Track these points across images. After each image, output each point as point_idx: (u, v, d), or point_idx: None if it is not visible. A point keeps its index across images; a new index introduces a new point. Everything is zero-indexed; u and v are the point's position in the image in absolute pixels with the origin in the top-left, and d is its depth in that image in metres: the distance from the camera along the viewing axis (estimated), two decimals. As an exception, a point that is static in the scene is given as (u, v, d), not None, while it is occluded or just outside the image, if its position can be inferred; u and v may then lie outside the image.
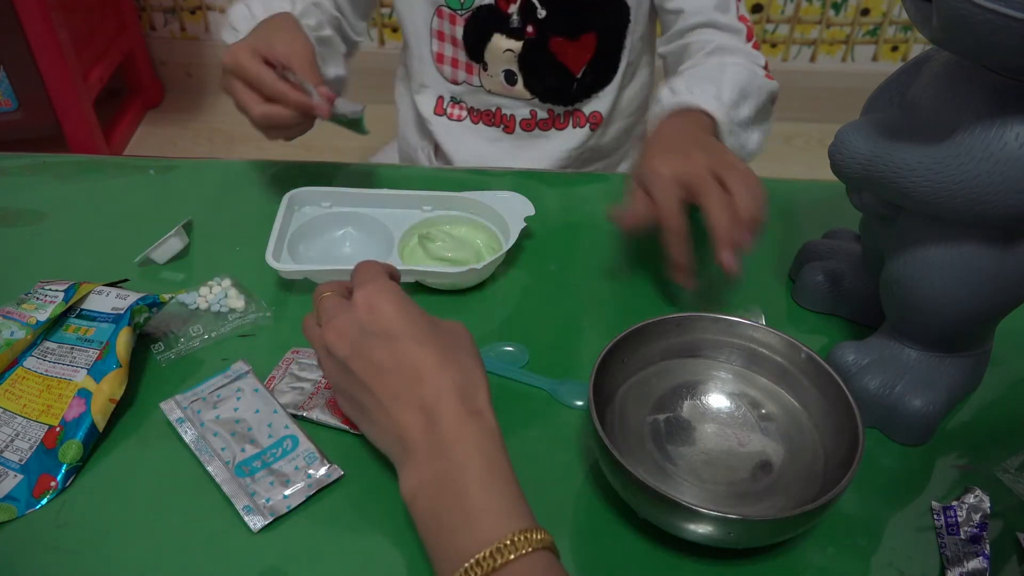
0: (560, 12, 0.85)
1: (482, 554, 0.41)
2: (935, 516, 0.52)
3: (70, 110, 1.82)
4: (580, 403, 0.59)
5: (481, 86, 0.91)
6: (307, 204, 0.72)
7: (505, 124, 0.94)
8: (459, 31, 0.88)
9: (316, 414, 0.56)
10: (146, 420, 0.56)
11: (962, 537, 0.51)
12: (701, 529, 0.46)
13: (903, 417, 0.56)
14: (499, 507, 0.43)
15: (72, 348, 0.57)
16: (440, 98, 0.94)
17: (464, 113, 0.95)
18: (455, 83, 0.92)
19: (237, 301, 0.65)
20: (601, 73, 0.91)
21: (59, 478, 0.51)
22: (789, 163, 2.14)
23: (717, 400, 0.57)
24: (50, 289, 0.60)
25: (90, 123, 1.87)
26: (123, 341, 0.56)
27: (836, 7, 2.12)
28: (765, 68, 0.83)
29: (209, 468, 0.52)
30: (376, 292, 0.48)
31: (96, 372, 0.55)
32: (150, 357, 0.60)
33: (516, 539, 0.41)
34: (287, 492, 0.51)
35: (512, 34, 0.86)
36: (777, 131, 2.29)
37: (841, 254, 0.68)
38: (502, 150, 0.96)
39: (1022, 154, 0.46)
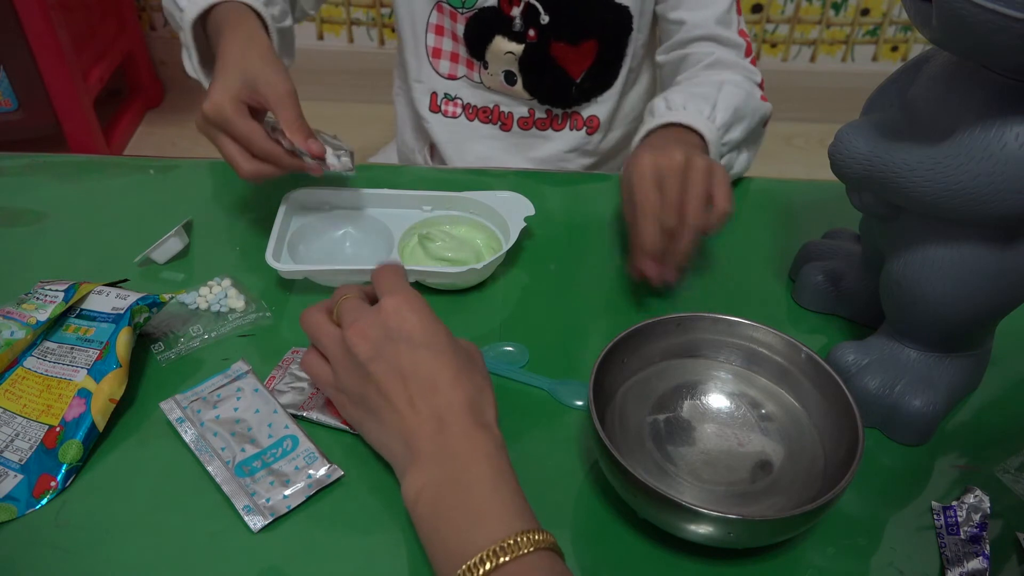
0: (563, 18, 0.85)
1: (485, 552, 0.41)
2: (935, 516, 0.52)
3: (70, 110, 1.82)
4: (580, 403, 0.59)
5: (481, 82, 0.91)
6: (307, 204, 0.72)
7: (503, 121, 0.94)
8: (460, 28, 0.88)
9: (316, 414, 0.56)
10: (146, 420, 0.56)
11: (962, 537, 0.51)
12: (701, 529, 0.46)
13: (903, 417, 0.56)
14: (504, 509, 0.44)
15: (72, 348, 0.57)
16: (434, 94, 0.94)
17: (459, 110, 0.95)
18: (452, 78, 0.92)
19: (237, 301, 0.65)
20: (601, 79, 0.91)
21: (59, 478, 0.51)
22: (789, 163, 2.14)
23: (717, 400, 0.57)
24: (50, 289, 0.60)
25: (90, 123, 1.87)
26: (123, 341, 0.56)
27: (836, 7, 2.12)
28: (761, 86, 0.83)
29: (209, 468, 0.52)
30: (405, 301, 0.50)
31: (96, 372, 0.55)
32: (150, 357, 0.61)
33: (520, 539, 0.42)
34: (287, 492, 0.51)
35: (514, 37, 0.86)
36: (777, 131, 2.31)
37: (841, 254, 0.68)
38: (498, 148, 0.96)
39: (1022, 154, 0.46)
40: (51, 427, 0.53)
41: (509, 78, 0.89)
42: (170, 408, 0.55)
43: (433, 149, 0.99)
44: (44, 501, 0.51)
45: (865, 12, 2.13)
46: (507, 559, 0.41)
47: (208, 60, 0.75)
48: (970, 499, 0.52)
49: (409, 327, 0.49)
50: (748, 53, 0.85)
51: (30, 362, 0.57)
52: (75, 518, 0.50)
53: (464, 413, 0.47)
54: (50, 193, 0.77)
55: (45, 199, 0.76)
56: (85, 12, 1.90)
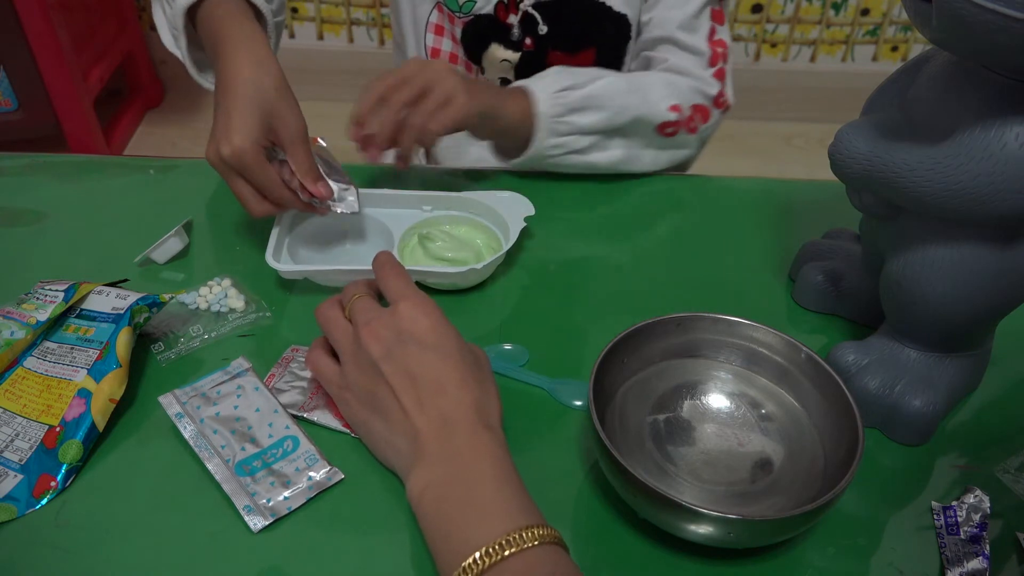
0: (562, 27, 0.85)
1: (489, 546, 0.41)
2: (935, 516, 0.52)
3: (70, 110, 1.82)
4: (580, 403, 0.59)
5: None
6: (307, 204, 0.72)
7: None
8: (458, 30, 0.88)
9: (317, 415, 0.56)
10: (146, 420, 0.56)
11: (962, 537, 0.51)
12: (701, 529, 0.46)
13: (903, 417, 0.56)
14: (508, 505, 0.44)
15: (72, 348, 0.57)
16: None
17: None
18: None
19: (237, 301, 0.65)
20: None
21: (59, 478, 0.51)
22: (789, 163, 2.14)
23: (717, 400, 0.57)
24: (50, 289, 0.60)
25: (90, 123, 1.87)
26: (123, 341, 0.56)
27: (836, 7, 2.12)
28: (715, 100, 0.83)
29: (209, 466, 0.52)
30: (418, 305, 0.51)
31: (96, 372, 0.55)
32: (150, 357, 0.60)
33: (525, 533, 0.42)
34: (287, 494, 0.51)
35: (510, 45, 0.86)
36: (777, 131, 2.31)
37: (841, 254, 0.68)
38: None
39: (1022, 154, 0.46)
40: (51, 427, 0.53)
41: (504, 85, 0.89)
42: (169, 403, 0.55)
43: (429, 150, 0.99)
44: (44, 501, 0.51)
45: (865, 12, 2.13)
46: (512, 552, 0.41)
47: (194, 43, 0.72)
48: (970, 499, 0.52)
49: (420, 330, 0.50)
50: (714, 62, 0.83)
51: (30, 362, 0.57)
52: (75, 518, 0.50)
53: (470, 414, 0.48)
54: (50, 193, 0.77)
55: (45, 199, 0.76)
56: (85, 12, 1.90)
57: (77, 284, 0.60)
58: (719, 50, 0.84)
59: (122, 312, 0.57)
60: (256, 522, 0.49)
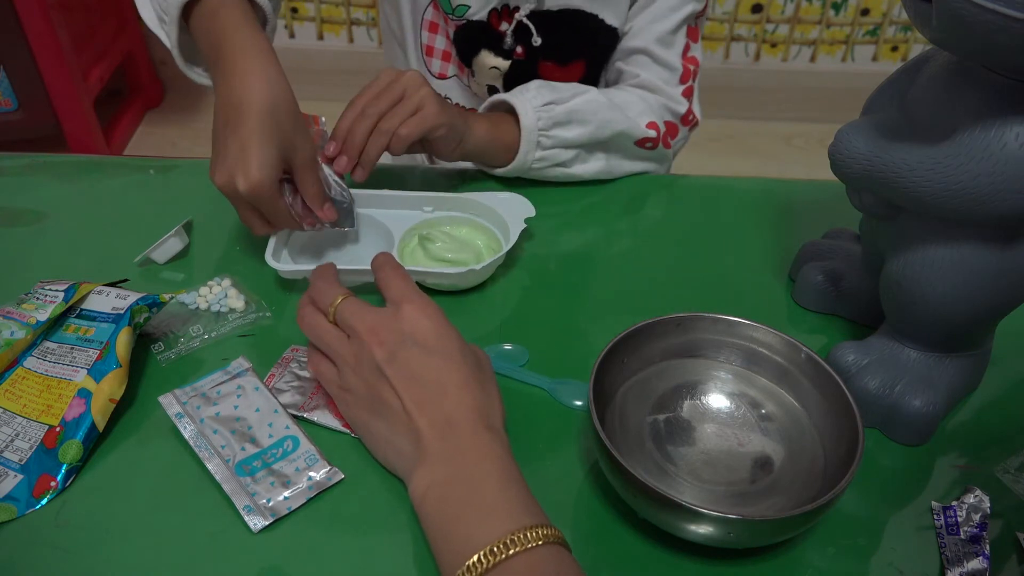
0: (555, 38, 0.85)
1: (493, 545, 0.41)
2: (935, 516, 0.52)
3: (70, 110, 1.82)
4: (580, 403, 0.59)
5: (468, 86, 0.92)
6: (307, 204, 0.72)
7: None
8: (451, 30, 0.88)
9: (317, 415, 0.56)
10: (146, 420, 0.56)
11: (962, 537, 0.51)
12: (701, 529, 0.46)
13: (903, 417, 0.56)
14: (512, 505, 0.44)
15: (72, 348, 0.57)
16: None
17: None
18: (443, 77, 0.92)
19: (237, 301, 0.65)
20: None
21: (59, 478, 0.51)
22: (789, 163, 2.14)
23: (717, 400, 0.57)
24: (50, 289, 0.60)
25: (90, 123, 1.87)
26: (123, 341, 0.56)
27: (836, 7, 2.12)
28: (683, 118, 0.85)
29: (208, 466, 0.52)
30: (420, 307, 0.51)
31: (96, 372, 0.55)
32: (150, 357, 0.61)
33: (528, 533, 0.42)
34: (287, 494, 0.51)
35: (501, 53, 0.86)
36: (777, 131, 2.31)
37: (841, 254, 0.68)
38: None
39: (1022, 154, 0.46)
40: (51, 427, 0.53)
41: (492, 92, 0.89)
42: (169, 403, 0.55)
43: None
44: (44, 501, 0.51)
45: (865, 12, 2.13)
46: (515, 551, 0.41)
47: (183, 32, 0.69)
48: (970, 499, 0.52)
49: (423, 333, 0.50)
50: (685, 80, 0.85)
51: (30, 362, 0.57)
52: (75, 518, 0.50)
53: (472, 415, 0.48)
54: (50, 193, 0.77)
55: (45, 199, 0.76)
56: (85, 12, 1.90)
57: (77, 284, 0.60)
58: (691, 67, 0.86)
59: (122, 312, 0.57)
60: (256, 522, 0.49)
